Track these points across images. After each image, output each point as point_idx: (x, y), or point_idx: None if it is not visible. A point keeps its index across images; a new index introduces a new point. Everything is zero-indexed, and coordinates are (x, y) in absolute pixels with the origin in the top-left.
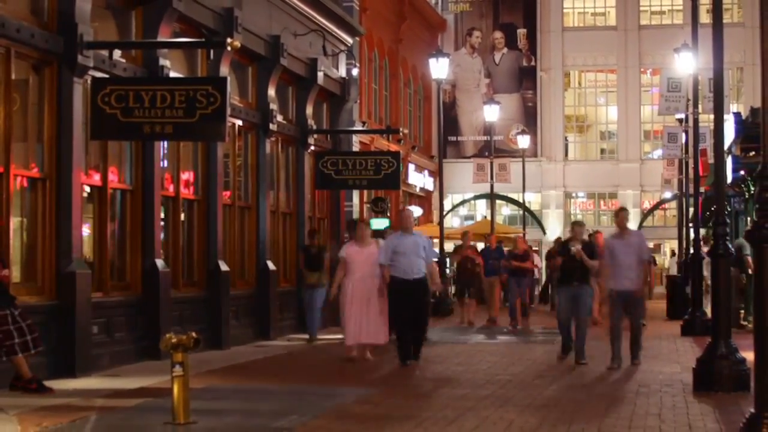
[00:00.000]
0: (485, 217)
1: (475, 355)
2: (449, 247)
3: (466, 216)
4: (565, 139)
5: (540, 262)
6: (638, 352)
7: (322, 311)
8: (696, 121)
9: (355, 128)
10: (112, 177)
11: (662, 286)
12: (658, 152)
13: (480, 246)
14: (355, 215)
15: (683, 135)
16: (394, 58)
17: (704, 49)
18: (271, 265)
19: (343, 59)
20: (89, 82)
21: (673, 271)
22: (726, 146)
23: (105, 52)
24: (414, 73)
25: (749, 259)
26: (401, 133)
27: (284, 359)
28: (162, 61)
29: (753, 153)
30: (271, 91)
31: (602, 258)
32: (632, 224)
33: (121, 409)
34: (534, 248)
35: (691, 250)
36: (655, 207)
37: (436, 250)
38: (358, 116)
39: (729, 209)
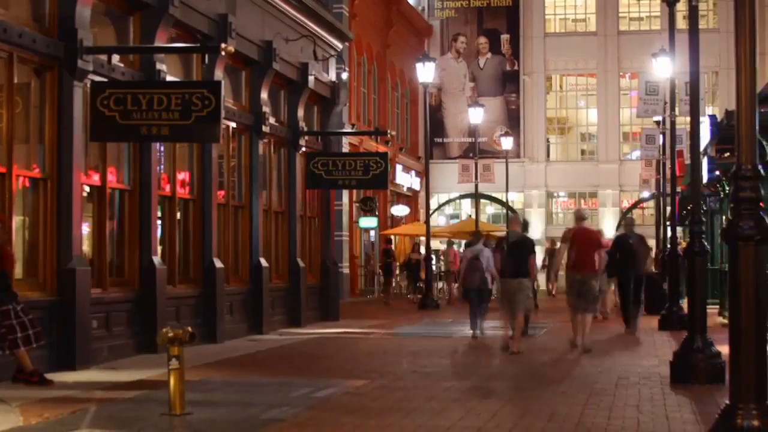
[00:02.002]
0: (470, 216)
1: (459, 348)
2: (435, 244)
3: (451, 215)
4: (547, 140)
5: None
6: None
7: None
8: (673, 123)
9: (344, 130)
10: (111, 177)
11: None
12: (637, 153)
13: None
14: (345, 214)
15: (661, 137)
16: (382, 62)
17: (681, 53)
18: (263, 262)
19: (333, 64)
20: (89, 85)
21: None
22: (702, 147)
23: (104, 57)
24: (401, 77)
25: None
26: (389, 135)
27: (276, 353)
28: (159, 66)
29: (728, 154)
30: (264, 95)
31: None
32: (611, 223)
33: (119, 401)
34: None
35: (668, 248)
36: (634, 206)
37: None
38: (348, 119)
39: (705, 208)
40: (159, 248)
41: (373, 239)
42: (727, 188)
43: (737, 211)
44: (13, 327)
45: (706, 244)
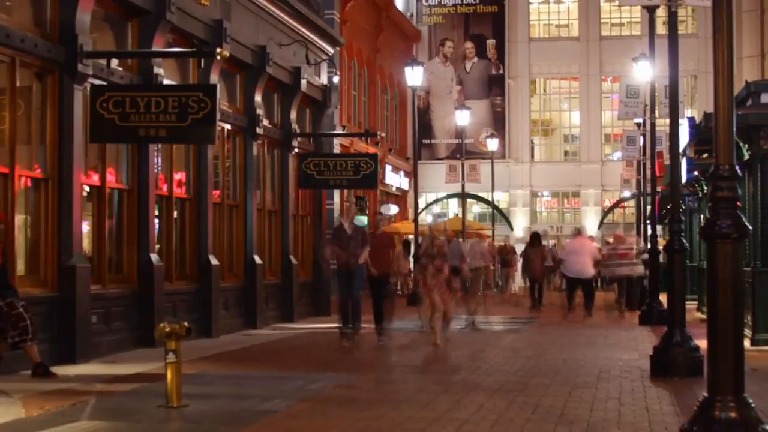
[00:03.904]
0: (457, 214)
1: (445, 342)
2: None
3: (439, 214)
4: (531, 142)
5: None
6: None
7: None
8: (653, 125)
9: (335, 132)
10: (110, 177)
11: None
12: (618, 154)
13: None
14: (336, 213)
15: (641, 138)
16: (372, 66)
17: (661, 58)
18: (257, 259)
19: (324, 68)
20: (88, 88)
21: None
22: (681, 149)
23: (103, 61)
24: (391, 81)
25: None
26: (379, 137)
27: (270, 347)
28: (156, 70)
29: (706, 155)
30: (258, 98)
31: None
32: (593, 222)
33: (118, 394)
34: (500, 243)
35: (648, 246)
36: (615, 205)
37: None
38: (339, 121)
39: (683, 207)
40: (156, 246)
41: None
42: (706, 188)
43: (715, 210)
44: (22, 315)
45: (685, 241)
